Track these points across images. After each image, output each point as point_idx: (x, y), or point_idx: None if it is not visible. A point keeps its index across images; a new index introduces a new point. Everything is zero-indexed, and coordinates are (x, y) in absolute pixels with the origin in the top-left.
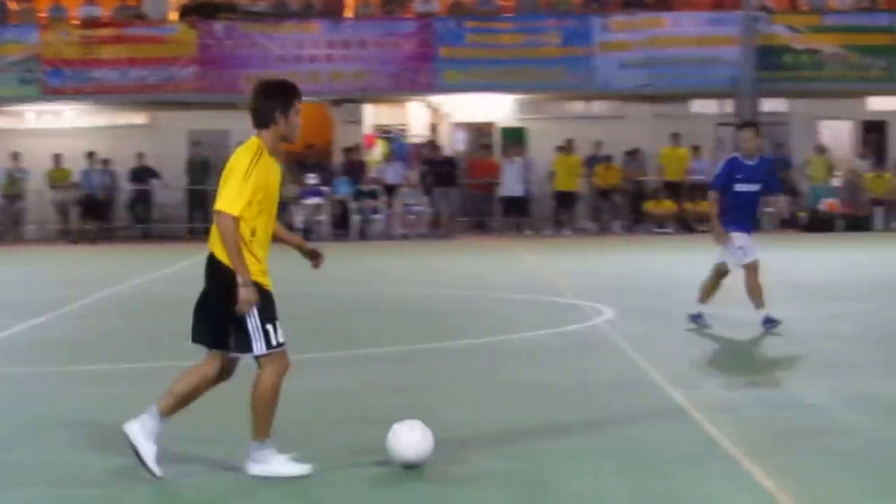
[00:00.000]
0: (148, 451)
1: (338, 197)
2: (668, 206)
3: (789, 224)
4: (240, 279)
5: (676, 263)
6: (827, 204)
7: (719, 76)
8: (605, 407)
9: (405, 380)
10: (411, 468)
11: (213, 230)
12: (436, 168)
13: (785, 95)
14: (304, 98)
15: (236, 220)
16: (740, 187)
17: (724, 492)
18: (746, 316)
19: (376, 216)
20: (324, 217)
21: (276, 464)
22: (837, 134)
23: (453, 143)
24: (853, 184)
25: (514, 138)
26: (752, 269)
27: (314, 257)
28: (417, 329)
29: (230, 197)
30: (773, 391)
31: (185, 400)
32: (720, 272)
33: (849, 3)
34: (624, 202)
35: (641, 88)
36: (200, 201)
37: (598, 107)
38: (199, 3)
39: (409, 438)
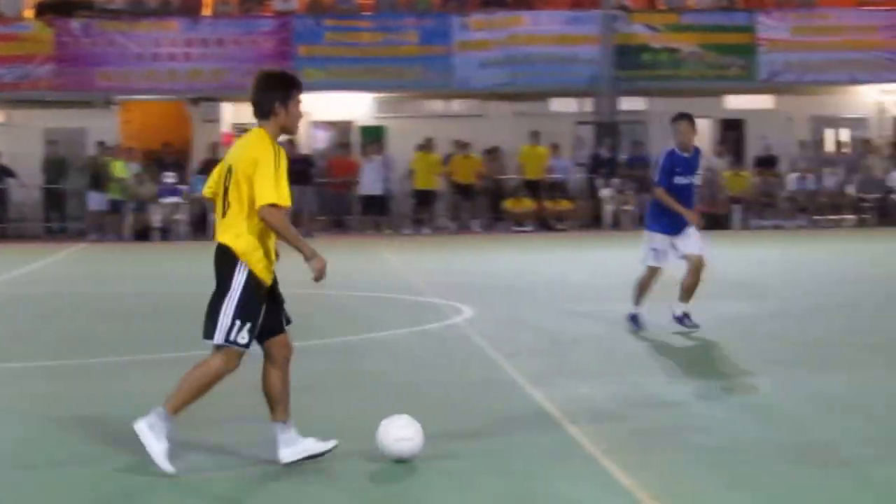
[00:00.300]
0: (308, 448)
1: (196, 196)
2: (527, 204)
3: None
4: (305, 255)
5: (536, 262)
6: None
7: (578, 75)
8: (465, 406)
9: None
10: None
11: (225, 223)
12: (292, 166)
13: (643, 94)
14: (160, 97)
15: (282, 208)
16: (679, 180)
17: (585, 491)
18: (606, 312)
19: None
20: (182, 216)
21: (156, 441)
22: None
23: (312, 142)
24: (712, 182)
25: (374, 137)
26: (652, 273)
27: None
28: None
29: (270, 189)
30: (633, 389)
31: (284, 390)
32: (694, 267)
33: (707, 2)
34: (483, 200)
35: (501, 87)
36: (57, 200)
37: (457, 105)
38: (55, 1)
39: (400, 434)
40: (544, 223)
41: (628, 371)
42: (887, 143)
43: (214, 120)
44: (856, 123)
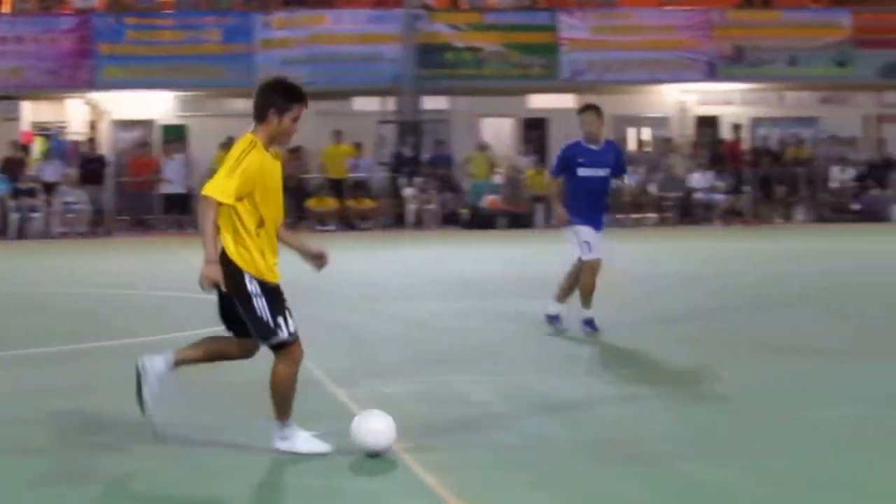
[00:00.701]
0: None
1: None
2: (330, 203)
3: (451, 221)
4: (204, 256)
5: (339, 261)
6: (488, 201)
7: (381, 74)
8: (267, 404)
9: (67, 381)
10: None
11: (221, 227)
12: (86, 166)
13: (446, 93)
14: None
15: (218, 205)
16: (584, 172)
17: (389, 489)
18: (410, 311)
19: (35, 214)
20: None
21: (300, 441)
22: (499, 131)
23: (114, 141)
24: (514, 181)
25: (175, 135)
26: (591, 267)
27: (318, 258)
28: (78, 329)
29: (216, 183)
30: (436, 387)
31: (204, 360)
32: (579, 270)
33: (509, 1)
34: (286, 199)
35: (303, 86)
36: None
37: None
38: None
39: (375, 428)
40: (347, 222)
41: (432, 370)
42: (688, 142)
43: (14, 118)
44: (657, 123)
